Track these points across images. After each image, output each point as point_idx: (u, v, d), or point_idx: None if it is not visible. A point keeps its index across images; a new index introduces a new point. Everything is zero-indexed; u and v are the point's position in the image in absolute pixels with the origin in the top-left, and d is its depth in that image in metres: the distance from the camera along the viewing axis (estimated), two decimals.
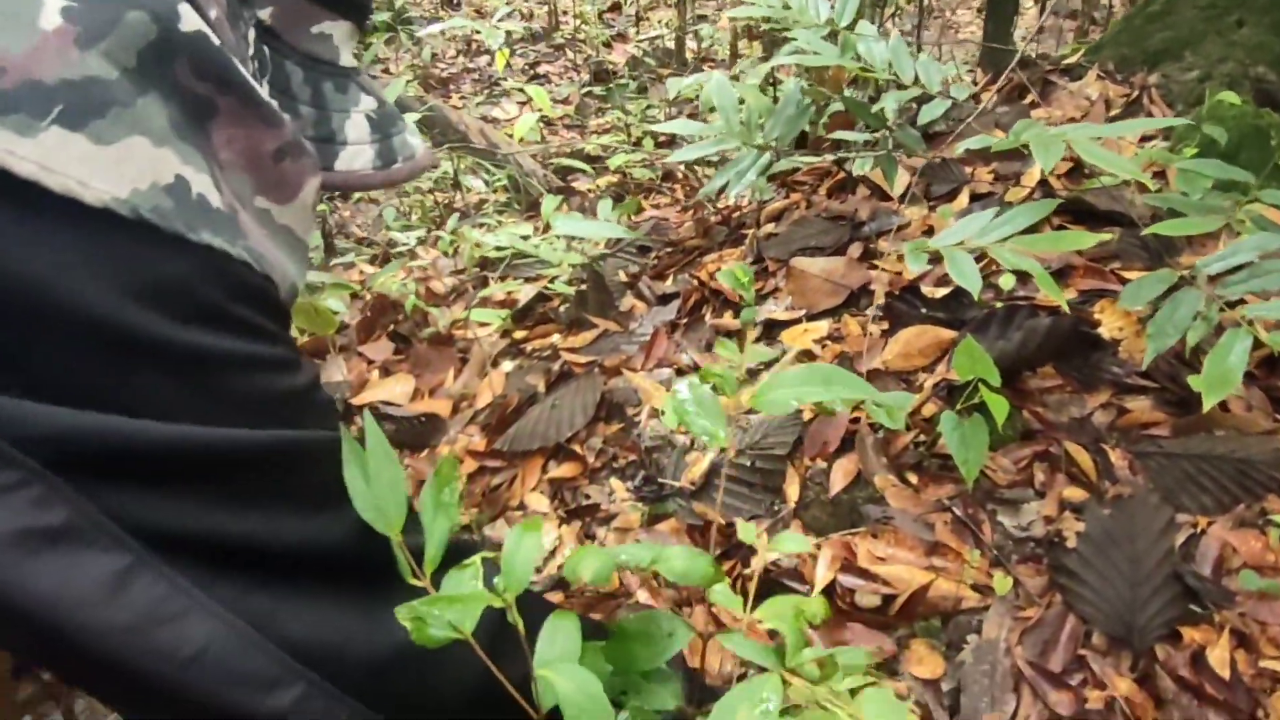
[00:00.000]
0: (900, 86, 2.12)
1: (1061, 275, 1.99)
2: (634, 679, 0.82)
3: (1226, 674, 1.44)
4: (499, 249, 2.66)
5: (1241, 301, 1.55)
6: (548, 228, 2.63)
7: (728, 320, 2.23)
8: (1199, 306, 1.43)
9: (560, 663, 0.74)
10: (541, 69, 7.77)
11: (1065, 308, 1.42)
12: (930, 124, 2.21)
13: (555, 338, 2.60)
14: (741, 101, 2.26)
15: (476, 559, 0.81)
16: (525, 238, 2.52)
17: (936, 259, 1.62)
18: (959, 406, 1.63)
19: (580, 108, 6.59)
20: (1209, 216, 1.50)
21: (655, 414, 2.04)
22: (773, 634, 0.82)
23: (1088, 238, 1.41)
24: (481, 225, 3.03)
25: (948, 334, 1.90)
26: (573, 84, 7.05)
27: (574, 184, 4.65)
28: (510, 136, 4.96)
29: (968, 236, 1.50)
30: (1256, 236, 1.44)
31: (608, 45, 7.79)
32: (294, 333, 2.99)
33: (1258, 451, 1.60)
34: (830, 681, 0.75)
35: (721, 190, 1.97)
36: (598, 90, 6.65)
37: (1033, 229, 1.49)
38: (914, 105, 2.54)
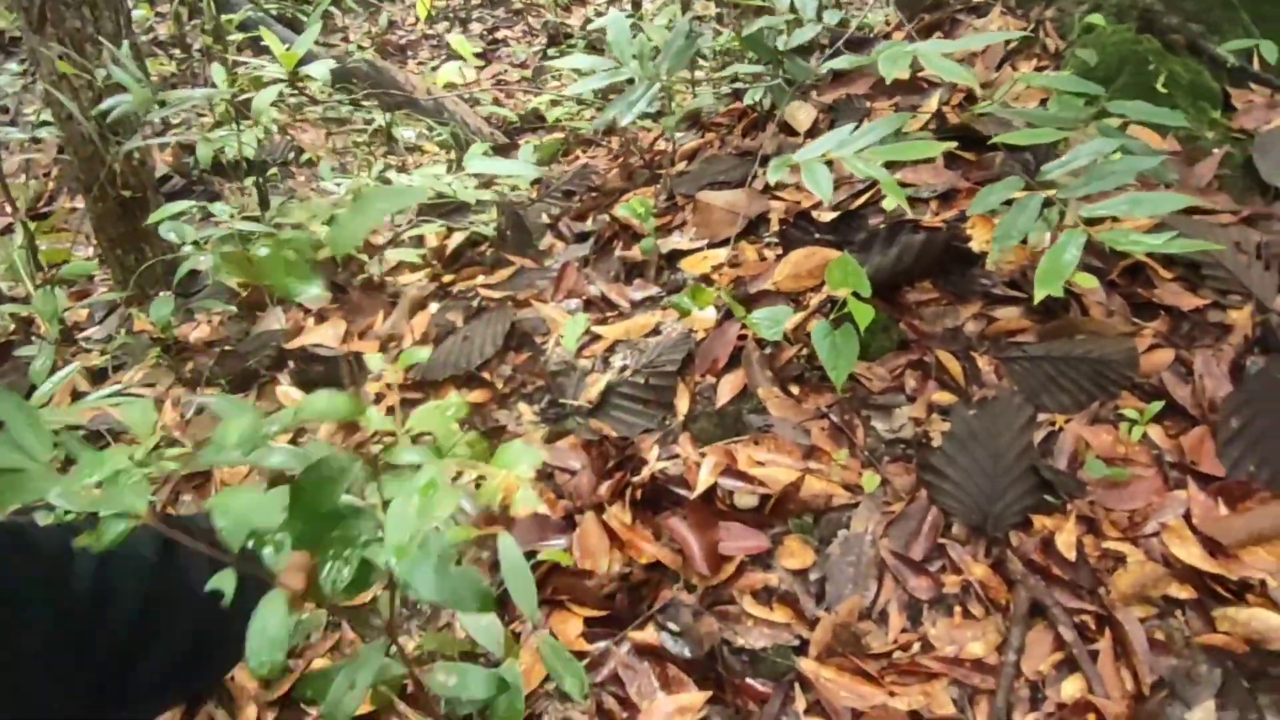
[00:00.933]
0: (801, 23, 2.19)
1: (947, 198, 2.06)
2: (329, 518, 0.86)
3: (1072, 556, 1.53)
4: (433, 197, 2.71)
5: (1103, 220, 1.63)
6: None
7: (635, 253, 2.29)
8: (1040, 210, 1.50)
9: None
10: (500, 34, 7.77)
11: (905, 206, 1.49)
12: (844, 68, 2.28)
13: (480, 279, 2.66)
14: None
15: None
16: (437, 177, 2.57)
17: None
18: (831, 317, 1.71)
19: (537, 71, 6.62)
20: (1055, 129, 1.57)
21: (560, 341, 2.12)
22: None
23: (934, 146, 1.48)
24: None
25: (835, 254, 1.97)
26: (529, 48, 7.07)
27: (521, 142, 4.71)
28: (463, 100, 5.00)
29: (827, 150, 1.57)
30: (1093, 142, 1.51)
31: (566, 9, 7.80)
32: (231, 283, 3.07)
33: (1114, 352, 1.69)
34: (479, 457, 0.82)
35: (611, 129, 2.03)
36: (552, 53, 6.67)
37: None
38: (824, 45, 2.61)
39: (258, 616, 0.79)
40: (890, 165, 1.57)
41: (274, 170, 4.81)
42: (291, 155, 5.09)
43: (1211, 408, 1.63)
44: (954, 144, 1.54)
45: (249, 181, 4.13)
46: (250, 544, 0.79)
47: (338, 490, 0.86)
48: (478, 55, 6.66)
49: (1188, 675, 1.43)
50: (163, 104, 2.71)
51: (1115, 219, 1.48)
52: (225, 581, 0.78)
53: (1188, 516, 1.54)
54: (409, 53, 7.46)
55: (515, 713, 1.00)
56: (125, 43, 3.04)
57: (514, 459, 0.84)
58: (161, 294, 2.60)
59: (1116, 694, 1.41)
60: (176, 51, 6.02)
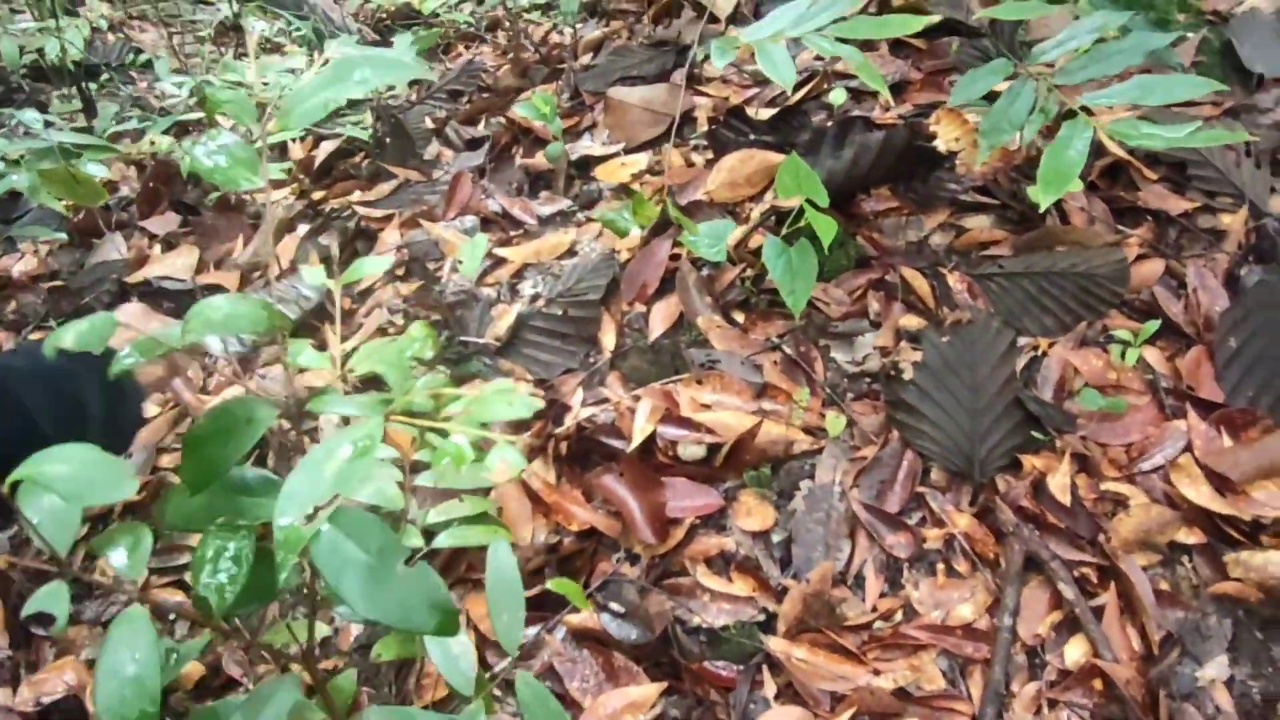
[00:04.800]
0: None
1: (897, 90, 1.81)
2: (226, 491, 0.62)
3: (1067, 500, 1.34)
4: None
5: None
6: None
7: (539, 161, 1.98)
8: (1035, 98, 1.26)
9: None
10: None
11: (886, 94, 1.24)
12: None
13: (356, 195, 2.30)
14: None
15: None
16: (292, 71, 2.18)
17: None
18: (784, 231, 1.45)
19: None
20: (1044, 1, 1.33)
21: (458, 267, 1.80)
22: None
23: (914, 21, 1.22)
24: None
25: (776, 158, 1.71)
26: None
27: (394, 41, 4.23)
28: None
29: (782, 28, 1.29)
30: (1094, 17, 1.28)
31: None
32: (55, 204, 2.59)
33: (1100, 265, 1.49)
34: (445, 409, 0.58)
35: (497, 23, 1.69)
36: None
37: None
38: None
39: (109, 652, 0.55)
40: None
41: (107, 75, 4.22)
42: (131, 56, 4.49)
43: (1207, 325, 1.45)
44: (936, 18, 1.28)
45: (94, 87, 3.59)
46: None
47: (237, 446, 0.61)
48: None
49: (1198, 629, 1.27)
50: None
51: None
52: None
53: (1190, 450, 1.36)
54: None
55: None
56: None
57: (498, 405, 0.58)
58: None
59: (1124, 655, 1.24)
60: None
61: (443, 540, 0.83)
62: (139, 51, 4.14)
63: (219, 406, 0.61)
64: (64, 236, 2.66)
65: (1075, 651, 1.26)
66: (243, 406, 0.64)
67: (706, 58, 2.04)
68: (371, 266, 0.72)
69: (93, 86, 3.66)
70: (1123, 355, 1.43)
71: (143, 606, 0.59)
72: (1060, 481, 1.35)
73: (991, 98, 1.41)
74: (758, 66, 1.30)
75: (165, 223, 2.64)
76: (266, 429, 0.63)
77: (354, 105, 2.69)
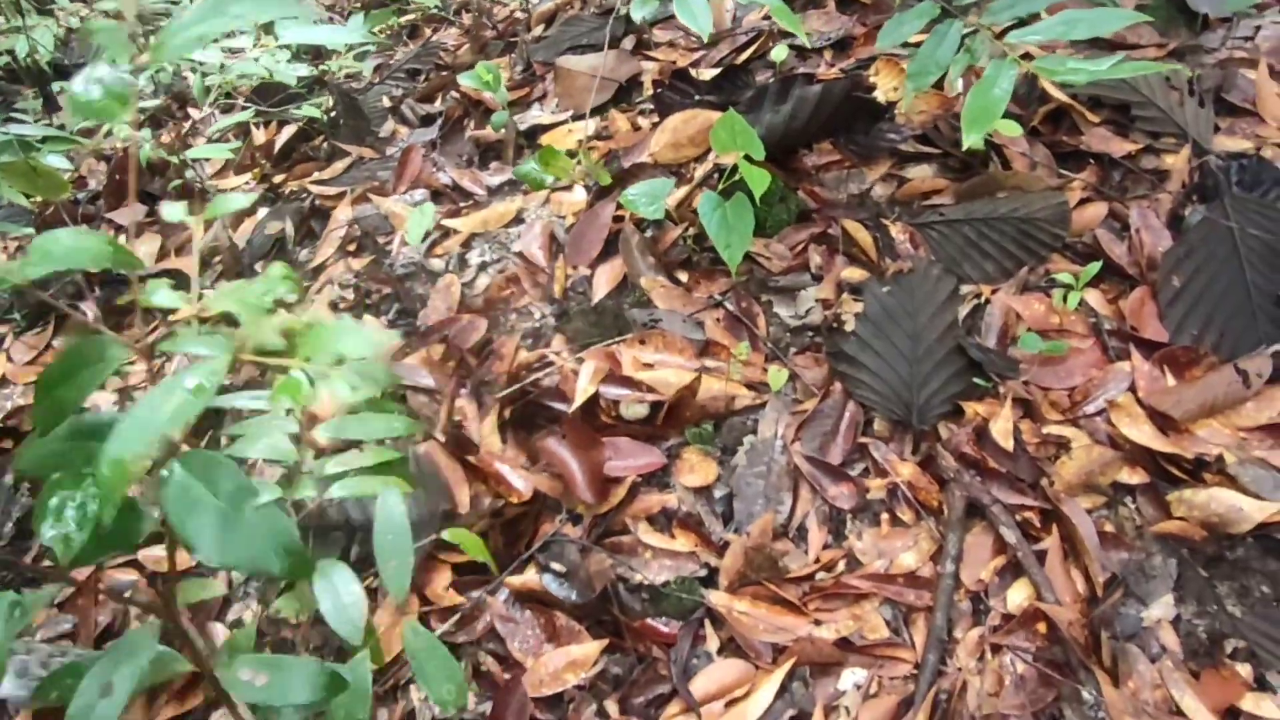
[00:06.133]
0: None
1: (842, 46, 1.79)
2: (79, 437, 0.61)
3: (1010, 445, 1.33)
4: (242, 76, 2.30)
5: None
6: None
7: (489, 132, 1.96)
8: (962, 39, 1.25)
9: None
10: None
11: (802, 36, 1.22)
12: None
13: (315, 175, 2.29)
14: None
15: None
16: (232, 53, 2.16)
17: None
18: (721, 186, 1.44)
19: None
20: None
21: (405, 239, 1.79)
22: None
23: None
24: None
25: (718, 116, 1.69)
26: None
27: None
28: None
29: None
30: None
31: None
32: (20, 200, 2.59)
33: (1041, 209, 1.47)
34: (302, 348, 0.57)
35: (465, 5, 1.67)
36: None
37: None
38: None
39: None
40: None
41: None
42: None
43: (1151, 266, 1.44)
44: None
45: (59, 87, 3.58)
46: None
47: (87, 386, 0.60)
48: None
49: (1141, 569, 1.26)
50: None
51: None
52: None
53: (1133, 391, 1.35)
54: None
55: None
56: None
57: (333, 341, 0.58)
58: None
59: (1067, 598, 1.23)
60: None
61: (336, 490, 0.82)
62: (137, 36, 4.13)
63: (70, 346, 0.60)
64: (31, 232, 2.65)
65: (1018, 596, 1.25)
66: (94, 346, 0.63)
67: (655, 22, 2.02)
68: (233, 204, 0.71)
69: (65, 85, 3.65)
70: (1065, 299, 1.42)
71: None
72: (1002, 427, 1.34)
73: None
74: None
75: (131, 214, 2.63)
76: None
77: (314, 88, 2.68)
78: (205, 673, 0.74)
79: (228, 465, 0.60)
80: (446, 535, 0.99)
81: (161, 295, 0.68)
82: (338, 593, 0.79)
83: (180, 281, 0.73)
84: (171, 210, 0.71)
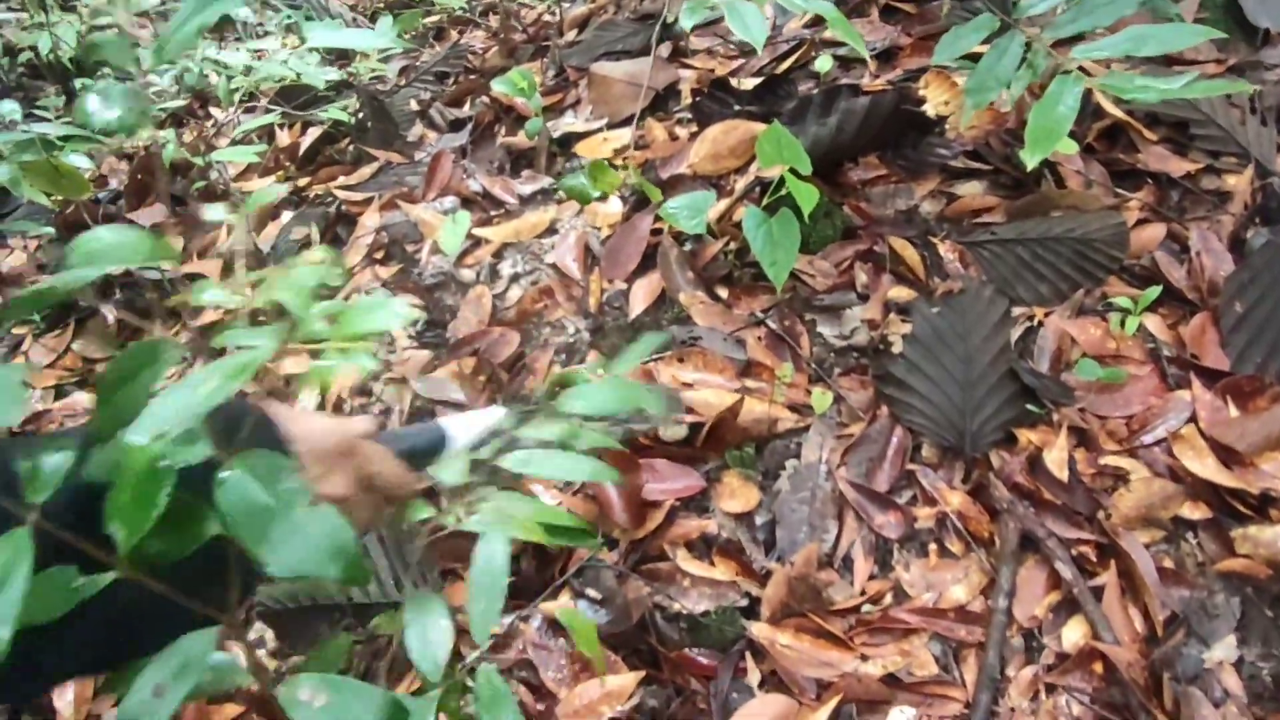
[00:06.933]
0: None
1: (887, 56, 1.75)
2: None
3: (1065, 476, 1.28)
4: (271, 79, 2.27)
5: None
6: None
7: (521, 139, 1.92)
8: (1023, 54, 1.20)
9: None
10: None
11: (862, 50, 1.18)
12: None
13: (340, 180, 2.25)
14: None
15: None
16: (257, 54, 2.13)
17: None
18: (765, 201, 1.39)
19: None
20: None
21: (437, 248, 1.75)
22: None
23: None
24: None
25: (760, 128, 1.64)
26: None
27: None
28: None
29: None
30: None
31: None
32: (41, 199, 2.56)
33: (1097, 230, 1.42)
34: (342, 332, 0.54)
35: (492, 7, 1.62)
36: None
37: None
38: None
39: None
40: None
41: (103, 71, 4.21)
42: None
43: (1212, 290, 1.39)
44: None
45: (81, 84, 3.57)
46: None
47: (148, 387, 0.57)
48: None
49: (1204, 608, 1.20)
50: None
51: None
52: None
53: (1195, 421, 1.30)
54: None
55: None
56: None
57: (368, 316, 0.55)
58: None
59: (1126, 637, 1.18)
60: None
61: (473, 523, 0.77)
62: (140, 47, 4.12)
63: (126, 352, 0.57)
64: (51, 231, 2.62)
65: (1074, 634, 1.20)
66: (150, 348, 0.60)
67: (693, 30, 1.98)
68: (270, 194, 0.67)
69: (89, 82, 3.63)
70: (1122, 323, 1.37)
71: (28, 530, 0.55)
72: (1057, 456, 1.29)
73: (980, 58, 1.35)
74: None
75: (153, 214, 2.60)
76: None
77: (339, 90, 2.64)
78: (261, 685, 0.70)
79: (281, 461, 0.56)
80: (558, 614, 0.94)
81: (210, 294, 0.65)
82: (426, 628, 0.75)
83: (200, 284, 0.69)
84: (212, 211, 0.67)
